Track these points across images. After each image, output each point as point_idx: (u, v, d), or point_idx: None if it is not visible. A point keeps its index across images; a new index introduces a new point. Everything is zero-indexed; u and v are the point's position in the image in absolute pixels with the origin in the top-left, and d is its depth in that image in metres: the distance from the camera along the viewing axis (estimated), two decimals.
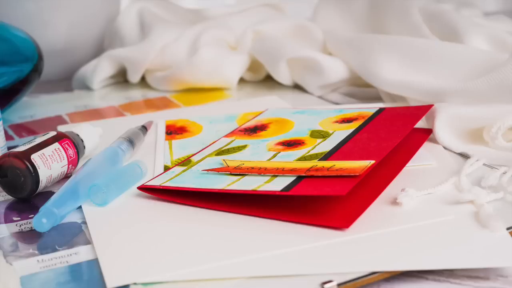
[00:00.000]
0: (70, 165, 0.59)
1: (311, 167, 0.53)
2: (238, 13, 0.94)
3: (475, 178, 0.55)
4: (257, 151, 0.60)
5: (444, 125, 0.62)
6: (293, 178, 0.52)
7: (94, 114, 0.81)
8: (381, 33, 0.84)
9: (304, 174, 0.52)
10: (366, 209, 0.50)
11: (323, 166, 0.53)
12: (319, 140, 0.60)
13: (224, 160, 0.58)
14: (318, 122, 0.65)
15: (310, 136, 0.62)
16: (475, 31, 0.77)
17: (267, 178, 0.53)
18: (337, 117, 0.66)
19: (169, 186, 0.54)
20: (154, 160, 0.63)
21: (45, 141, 0.58)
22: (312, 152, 0.57)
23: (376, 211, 0.51)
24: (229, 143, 0.63)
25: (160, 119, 0.73)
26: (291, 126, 0.65)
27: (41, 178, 0.56)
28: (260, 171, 0.54)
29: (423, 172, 0.57)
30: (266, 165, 0.55)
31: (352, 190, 0.49)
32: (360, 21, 0.90)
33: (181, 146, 0.65)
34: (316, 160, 0.55)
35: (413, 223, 0.49)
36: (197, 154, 0.61)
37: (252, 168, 0.55)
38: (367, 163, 0.52)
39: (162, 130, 0.70)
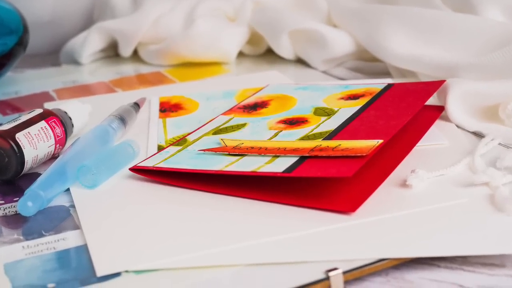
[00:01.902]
0: (58, 145, 0.59)
1: (315, 147, 0.52)
2: None
3: (490, 159, 0.55)
4: (257, 130, 0.59)
5: (457, 102, 0.62)
6: (295, 159, 0.51)
7: (83, 90, 0.80)
8: (390, 4, 0.83)
9: (307, 154, 0.51)
10: (374, 191, 0.49)
11: (328, 146, 0.52)
12: (323, 118, 0.59)
13: (222, 139, 0.57)
14: (322, 98, 0.64)
15: (313, 114, 0.61)
16: (490, 1, 0.76)
17: (268, 158, 0.52)
18: (343, 94, 0.65)
19: (163, 167, 0.54)
20: (147, 139, 0.62)
21: (30, 119, 0.58)
22: (316, 131, 0.57)
23: (384, 194, 0.50)
24: (227, 121, 0.62)
25: (153, 95, 0.72)
26: (294, 103, 0.65)
27: (26, 158, 0.55)
28: (260, 151, 0.53)
29: (434, 152, 0.57)
30: (267, 144, 0.55)
31: (359, 171, 0.48)
32: None
33: (176, 125, 0.64)
34: (320, 140, 0.55)
35: (423, 206, 0.49)
36: (193, 133, 0.60)
37: (252, 148, 0.54)
38: (375, 142, 0.51)
39: (155, 107, 0.69)
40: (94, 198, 0.53)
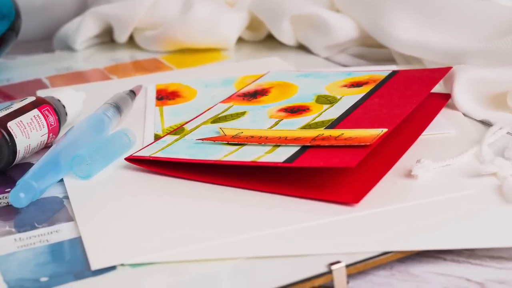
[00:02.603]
0: (51, 134, 0.58)
1: (317, 136, 0.52)
2: None
3: (498, 148, 0.54)
4: (257, 119, 0.59)
5: (464, 89, 0.61)
6: (297, 148, 0.51)
7: (77, 77, 0.79)
8: None
9: (309, 144, 0.51)
10: (378, 182, 0.49)
11: (330, 135, 0.52)
12: (325, 106, 0.59)
13: (220, 128, 0.57)
14: (324, 86, 0.64)
15: (315, 102, 0.61)
16: None
17: (268, 148, 0.52)
18: (346, 81, 0.64)
19: (160, 157, 0.53)
20: (144, 128, 0.62)
21: (23, 107, 0.57)
22: (318, 120, 0.56)
23: (389, 184, 0.50)
24: (226, 110, 0.62)
25: (150, 83, 0.72)
26: (295, 90, 0.64)
27: (18, 148, 0.55)
28: (260, 141, 0.53)
29: (440, 141, 0.56)
30: (267, 133, 0.54)
31: (362, 161, 0.48)
32: None
33: (174, 113, 0.64)
34: (322, 129, 0.54)
35: (429, 198, 0.49)
36: (190, 122, 0.60)
37: (252, 137, 0.54)
38: (379, 131, 0.51)
39: (152, 95, 0.69)
40: (89, 189, 0.52)
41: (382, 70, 0.66)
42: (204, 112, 0.62)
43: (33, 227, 0.48)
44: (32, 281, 0.43)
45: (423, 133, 0.56)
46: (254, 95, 0.64)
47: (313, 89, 0.64)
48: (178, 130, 0.58)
